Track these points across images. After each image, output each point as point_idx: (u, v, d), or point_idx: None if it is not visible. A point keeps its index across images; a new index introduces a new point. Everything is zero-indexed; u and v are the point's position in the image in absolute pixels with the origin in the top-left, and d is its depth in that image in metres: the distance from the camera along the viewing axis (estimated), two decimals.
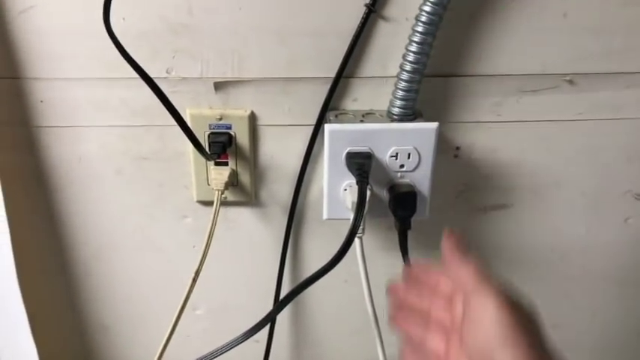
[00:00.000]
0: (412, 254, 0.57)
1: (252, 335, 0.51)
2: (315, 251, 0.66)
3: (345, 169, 0.55)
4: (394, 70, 0.54)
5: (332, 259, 0.50)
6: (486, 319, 0.37)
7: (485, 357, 0.36)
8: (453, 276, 0.42)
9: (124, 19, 0.53)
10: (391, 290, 0.48)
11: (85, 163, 0.60)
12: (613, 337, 0.74)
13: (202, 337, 0.70)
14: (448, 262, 0.42)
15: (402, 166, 0.55)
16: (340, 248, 0.49)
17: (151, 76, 0.45)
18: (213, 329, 0.70)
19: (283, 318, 0.70)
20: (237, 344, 0.51)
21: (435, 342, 0.42)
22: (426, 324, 0.44)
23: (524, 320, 0.37)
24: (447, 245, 0.43)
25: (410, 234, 0.56)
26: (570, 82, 0.58)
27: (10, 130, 0.58)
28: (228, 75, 0.56)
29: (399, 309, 0.47)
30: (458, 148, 0.60)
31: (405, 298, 0.47)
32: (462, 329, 0.39)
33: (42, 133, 0.58)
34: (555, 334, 0.73)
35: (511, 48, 0.56)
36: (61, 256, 0.65)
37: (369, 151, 0.54)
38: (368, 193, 0.52)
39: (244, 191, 0.61)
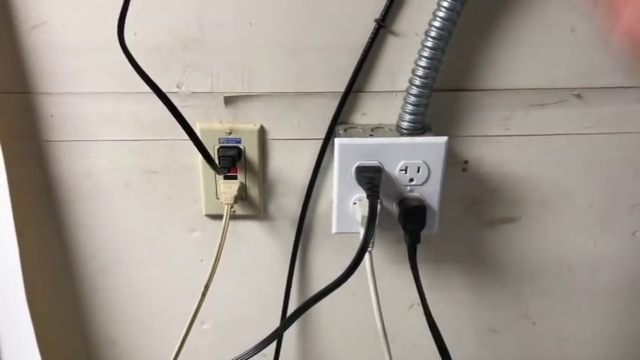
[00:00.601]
0: (421, 268, 0.57)
1: (261, 350, 0.51)
2: (324, 265, 0.65)
3: (355, 182, 0.55)
4: (403, 85, 0.54)
5: (342, 275, 0.49)
6: None
7: None
8: None
9: (135, 34, 0.53)
10: None
11: (94, 177, 0.60)
12: (621, 350, 0.74)
13: (209, 351, 0.70)
14: None
15: (411, 180, 0.55)
16: (351, 263, 0.49)
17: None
18: (221, 343, 0.70)
19: (291, 332, 0.70)
20: (246, 359, 0.51)
21: None
22: None
23: None
24: None
25: (418, 247, 0.56)
26: (578, 96, 0.58)
27: (20, 144, 0.58)
28: (238, 89, 0.56)
29: None
30: (466, 162, 0.60)
31: None
32: None
33: (52, 147, 0.58)
34: (563, 347, 0.73)
35: (519, 63, 0.56)
36: (69, 270, 0.65)
37: (379, 165, 0.54)
38: (378, 207, 0.52)
39: (253, 205, 0.61)
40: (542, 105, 0.58)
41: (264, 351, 0.56)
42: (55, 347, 0.67)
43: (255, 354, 0.51)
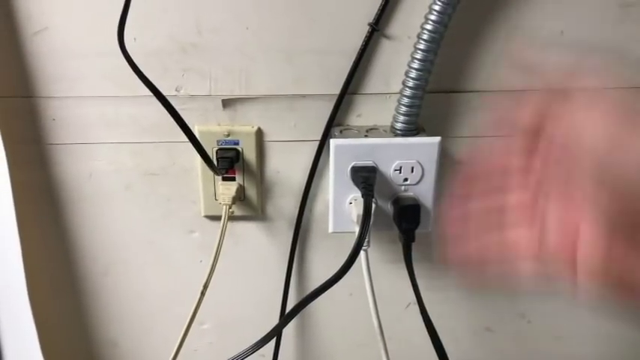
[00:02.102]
0: (416, 267, 0.58)
1: (259, 348, 0.51)
2: (321, 264, 0.66)
3: (350, 182, 0.56)
4: (397, 87, 0.56)
5: (338, 271, 0.50)
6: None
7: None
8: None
9: (135, 39, 0.55)
10: None
11: (95, 179, 0.61)
12: (615, 350, 0.74)
13: (209, 352, 0.71)
14: None
15: (405, 179, 0.56)
16: (346, 260, 0.50)
17: None
18: (220, 343, 0.71)
19: (289, 331, 0.71)
20: (244, 358, 0.52)
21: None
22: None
23: None
24: None
25: (414, 247, 0.57)
26: None
27: (23, 147, 0.59)
28: (236, 92, 0.58)
29: None
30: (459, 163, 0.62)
31: None
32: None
33: (54, 150, 0.60)
34: (558, 346, 0.74)
35: (509, 64, 0.57)
36: (71, 271, 0.66)
37: (374, 165, 0.55)
38: (373, 206, 0.53)
39: (251, 206, 0.62)
40: None
41: (263, 351, 0.57)
42: (57, 348, 0.68)
43: (254, 351, 0.51)
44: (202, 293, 0.58)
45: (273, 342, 0.68)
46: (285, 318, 0.53)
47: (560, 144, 0.33)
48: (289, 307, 0.67)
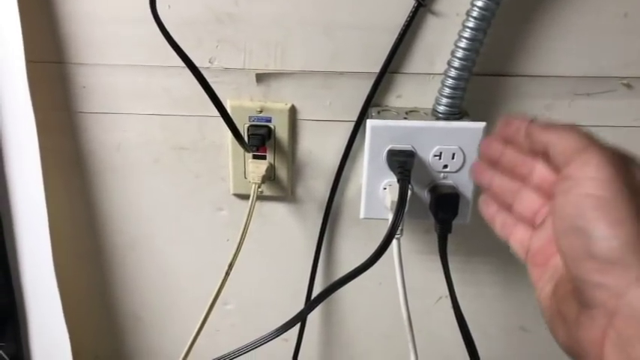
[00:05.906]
0: (451, 260, 0.55)
1: (283, 333, 0.50)
2: (350, 251, 0.64)
3: (386, 167, 0.53)
4: (441, 67, 0.52)
5: (368, 259, 0.48)
6: (582, 178, 0.28)
7: (575, 234, 0.28)
8: (554, 151, 0.32)
9: (169, 6, 0.53)
10: (486, 145, 0.40)
11: (123, 151, 0.60)
12: None
13: (231, 332, 0.70)
14: (545, 137, 0.33)
15: (445, 166, 0.53)
16: (378, 248, 0.48)
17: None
18: (243, 325, 0.69)
19: (314, 317, 0.69)
20: (267, 341, 0.50)
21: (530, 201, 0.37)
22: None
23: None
24: (535, 125, 0.35)
25: (449, 239, 0.54)
26: (628, 85, 0.55)
27: (52, 114, 0.58)
28: (271, 67, 0.55)
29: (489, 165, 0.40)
30: None
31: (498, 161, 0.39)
32: (553, 203, 0.31)
33: (83, 118, 0.59)
34: None
35: (564, 48, 0.53)
36: (97, 242, 0.65)
37: (412, 149, 0.52)
38: (409, 192, 0.50)
39: (281, 186, 0.60)
40: (588, 94, 0.55)
41: (287, 336, 0.56)
42: (80, 319, 0.68)
43: (278, 335, 0.50)
44: (227, 273, 0.56)
45: (297, 327, 0.67)
46: (310, 304, 0.51)
47: None
48: (315, 292, 0.65)
